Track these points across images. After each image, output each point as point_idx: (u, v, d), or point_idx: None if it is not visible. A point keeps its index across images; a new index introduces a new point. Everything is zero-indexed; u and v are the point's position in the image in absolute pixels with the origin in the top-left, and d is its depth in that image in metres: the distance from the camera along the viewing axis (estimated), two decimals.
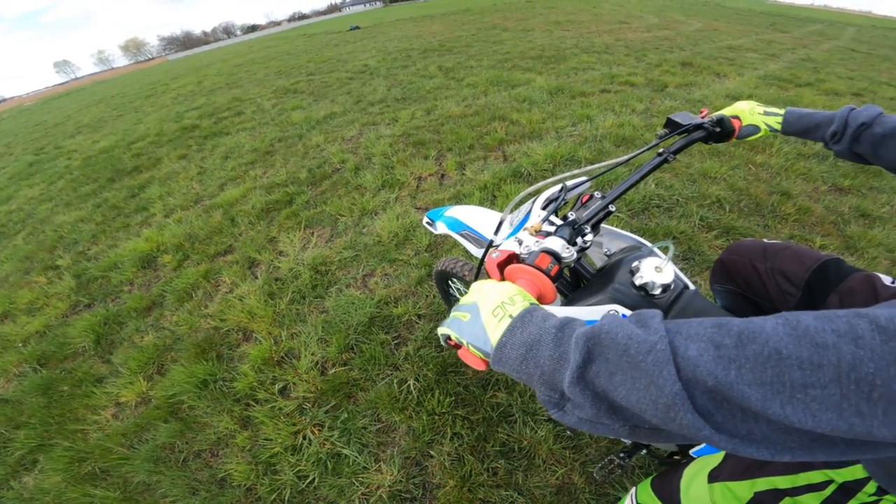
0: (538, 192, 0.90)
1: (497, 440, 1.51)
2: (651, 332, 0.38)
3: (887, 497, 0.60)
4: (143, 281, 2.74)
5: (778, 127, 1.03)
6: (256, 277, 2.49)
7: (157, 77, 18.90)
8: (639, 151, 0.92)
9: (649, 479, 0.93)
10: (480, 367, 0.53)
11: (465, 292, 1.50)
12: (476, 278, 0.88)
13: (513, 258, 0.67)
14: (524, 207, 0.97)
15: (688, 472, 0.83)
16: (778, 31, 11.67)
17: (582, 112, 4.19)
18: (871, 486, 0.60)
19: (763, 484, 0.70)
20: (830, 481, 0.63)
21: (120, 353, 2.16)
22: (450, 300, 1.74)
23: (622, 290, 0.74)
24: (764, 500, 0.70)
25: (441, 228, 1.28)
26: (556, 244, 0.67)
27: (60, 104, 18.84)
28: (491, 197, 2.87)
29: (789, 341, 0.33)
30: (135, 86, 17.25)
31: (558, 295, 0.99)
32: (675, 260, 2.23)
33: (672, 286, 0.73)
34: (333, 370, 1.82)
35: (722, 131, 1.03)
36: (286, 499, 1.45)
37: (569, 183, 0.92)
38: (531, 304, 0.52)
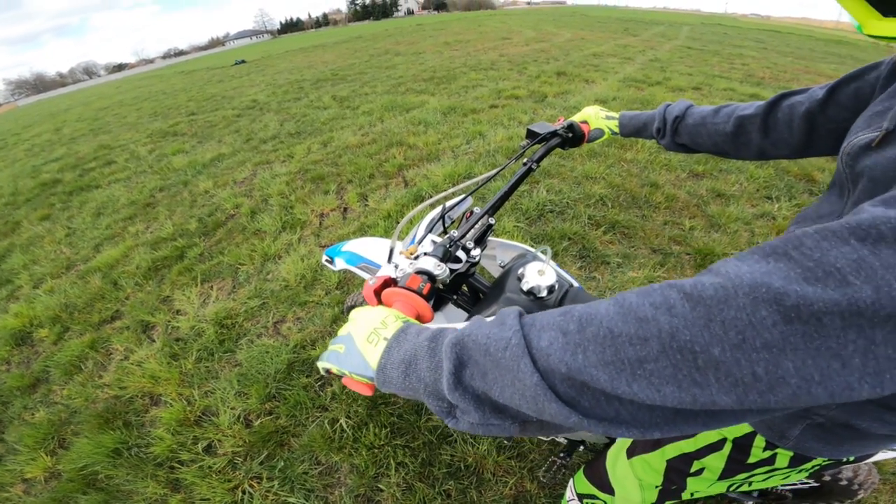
0: (421, 216, 0.92)
1: (442, 462, 1.51)
2: (506, 328, 0.39)
3: (780, 451, 0.65)
4: (21, 359, 2.47)
5: (617, 130, 1.14)
6: (154, 340, 2.30)
7: (5, 126, 16.17)
8: (506, 164, 0.97)
9: (582, 469, 0.96)
10: (366, 392, 0.55)
11: None
12: None
13: (389, 283, 0.68)
14: (412, 231, 0.99)
15: (610, 454, 0.87)
16: (630, 35, 13.45)
17: (474, 129, 4.40)
18: (759, 441, 0.66)
19: (671, 450, 0.75)
20: (724, 439, 0.69)
21: (12, 432, 1.99)
22: None
23: (513, 297, 0.76)
24: (677, 466, 0.75)
25: (340, 264, 1.29)
26: (428, 263, 0.70)
27: None
28: (395, 224, 2.86)
29: (618, 319, 0.34)
30: None
31: (462, 311, 1.00)
32: (574, 260, 2.41)
33: (556, 286, 0.76)
34: (259, 421, 1.75)
35: (574, 136, 1.12)
36: None
37: (448, 203, 0.95)
38: (405, 322, 0.54)
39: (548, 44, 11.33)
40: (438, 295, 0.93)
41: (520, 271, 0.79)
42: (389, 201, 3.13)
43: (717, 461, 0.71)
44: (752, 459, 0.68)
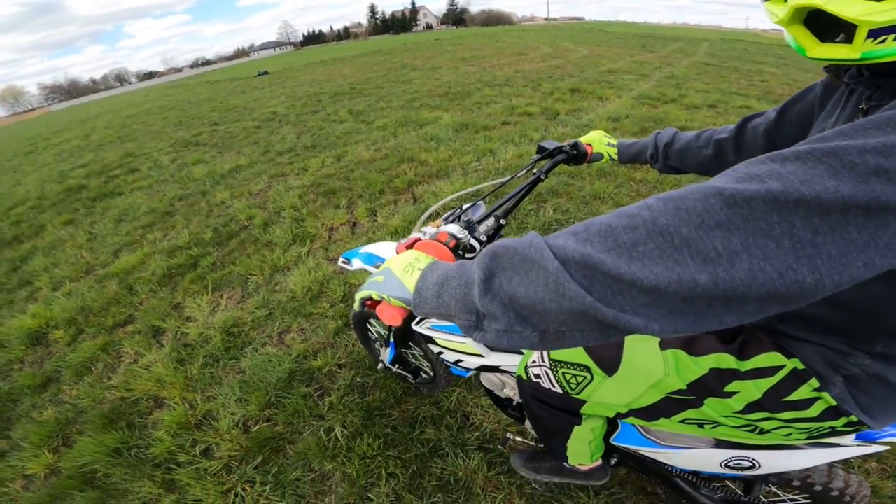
0: (442, 210, 1.03)
1: (433, 475, 1.53)
2: (527, 237, 0.50)
3: (824, 396, 0.68)
4: (35, 358, 2.56)
5: (615, 156, 1.24)
6: (163, 345, 2.38)
7: (37, 130, 17.01)
8: (519, 172, 1.09)
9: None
10: (397, 319, 0.64)
11: (384, 333, 1.63)
12: None
13: (417, 241, 0.81)
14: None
15: (630, 338, 0.84)
16: (648, 52, 13.40)
17: (485, 146, 4.45)
18: (813, 381, 0.69)
19: (716, 360, 0.75)
20: (783, 366, 0.71)
21: (19, 429, 2.06)
22: (369, 343, 1.82)
23: None
24: (713, 380, 0.75)
25: (357, 264, 1.39)
26: (453, 228, 0.84)
27: None
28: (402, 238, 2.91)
29: (613, 218, 0.45)
30: (12, 141, 15.39)
31: None
32: None
33: None
34: (257, 427, 1.80)
35: (577, 153, 1.21)
36: None
37: (465, 206, 1.05)
38: (434, 260, 0.65)
39: (564, 60, 11.41)
40: None
41: None
42: (398, 217, 3.19)
43: (756, 388, 0.73)
44: (792, 397, 0.71)
